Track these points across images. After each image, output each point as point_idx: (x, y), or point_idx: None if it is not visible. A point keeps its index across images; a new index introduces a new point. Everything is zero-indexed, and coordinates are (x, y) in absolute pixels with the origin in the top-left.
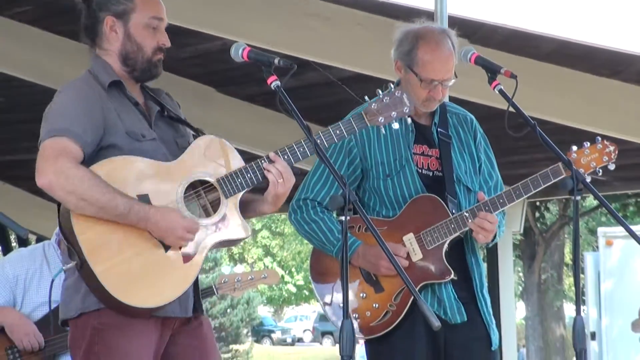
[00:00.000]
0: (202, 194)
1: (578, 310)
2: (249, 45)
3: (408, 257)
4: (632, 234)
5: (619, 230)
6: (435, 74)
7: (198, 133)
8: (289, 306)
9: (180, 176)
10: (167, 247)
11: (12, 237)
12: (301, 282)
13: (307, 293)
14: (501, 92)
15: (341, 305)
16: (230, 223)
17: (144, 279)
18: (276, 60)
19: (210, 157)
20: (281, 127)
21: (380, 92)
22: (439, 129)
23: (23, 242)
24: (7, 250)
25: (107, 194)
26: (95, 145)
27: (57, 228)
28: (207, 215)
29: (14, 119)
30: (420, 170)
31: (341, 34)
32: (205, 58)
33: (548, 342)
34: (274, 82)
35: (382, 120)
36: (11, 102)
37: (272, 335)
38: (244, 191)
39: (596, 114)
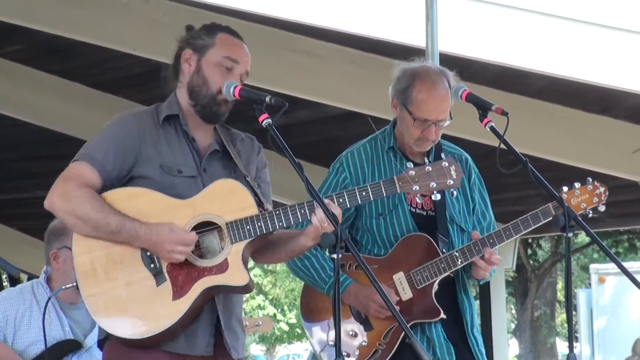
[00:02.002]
0: (224, 236)
1: (571, 348)
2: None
3: (398, 296)
4: (624, 271)
5: (611, 267)
6: (429, 113)
7: (249, 182)
8: (281, 344)
9: (189, 215)
10: (159, 281)
11: (4, 277)
12: (293, 321)
13: (299, 331)
14: (492, 129)
15: (331, 343)
16: (229, 269)
17: (129, 310)
18: (267, 99)
19: (225, 201)
20: (273, 165)
21: (427, 160)
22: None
23: (14, 281)
24: None
25: (101, 212)
26: (121, 173)
27: (45, 266)
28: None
29: (4, 158)
30: (413, 210)
31: (334, 71)
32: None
33: None
34: (265, 120)
35: (417, 189)
36: (2, 141)
37: None
38: (250, 239)
39: (587, 150)
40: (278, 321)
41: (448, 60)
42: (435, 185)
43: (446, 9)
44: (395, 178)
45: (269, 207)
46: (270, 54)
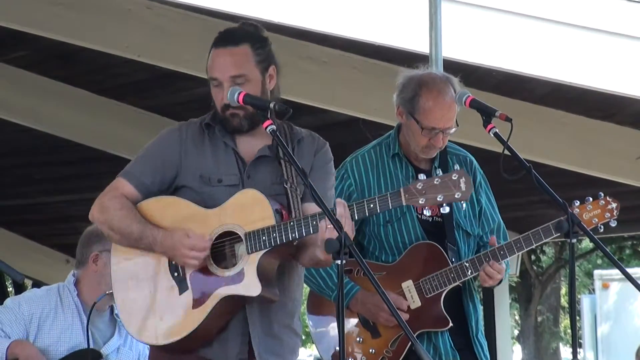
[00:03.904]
0: (235, 245)
1: (575, 353)
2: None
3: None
4: (628, 277)
5: (615, 272)
6: (437, 122)
7: (291, 188)
8: None
9: (215, 224)
10: (182, 290)
11: (8, 283)
12: None
13: (303, 337)
14: (496, 135)
15: (337, 347)
16: (244, 279)
17: (153, 317)
18: (272, 105)
19: (247, 211)
20: None
21: (433, 165)
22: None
23: (19, 287)
24: (3, 295)
25: (126, 221)
26: (162, 185)
27: (74, 270)
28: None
29: (8, 164)
30: (420, 216)
31: (338, 77)
32: (202, 102)
33: None
34: (269, 126)
35: (423, 202)
36: (6, 147)
37: None
38: (265, 250)
39: (591, 156)
40: None
41: (452, 67)
42: (442, 198)
43: (450, 15)
44: (402, 190)
45: (302, 213)
46: None
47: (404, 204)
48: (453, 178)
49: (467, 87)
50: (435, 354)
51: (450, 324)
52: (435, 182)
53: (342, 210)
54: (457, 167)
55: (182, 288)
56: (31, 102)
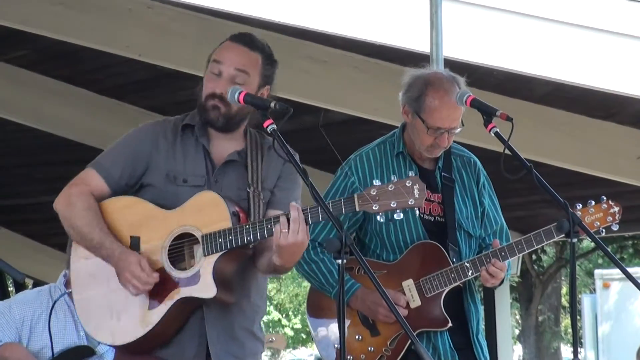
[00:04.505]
0: (194, 246)
1: (575, 353)
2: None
3: (406, 304)
4: (629, 276)
5: (616, 272)
6: (443, 122)
7: (254, 194)
8: (286, 349)
9: (174, 225)
10: None
11: (9, 282)
12: (298, 326)
13: (304, 336)
14: (497, 134)
15: (336, 345)
16: (200, 281)
17: (109, 317)
18: (272, 104)
19: (205, 213)
20: None
21: (394, 178)
22: (442, 173)
23: (20, 286)
24: (4, 294)
25: (89, 225)
26: (130, 180)
27: (65, 270)
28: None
29: (9, 163)
30: (422, 216)
31: (337, 77)
32: None
33: None
34: (270, 125)
35: (377, 208)
36: (7, 147)
37: None
38: (221, 252)
39: (592, 156)
40: (283, 326)
41: (453, 66)
42: (395, 204)
43: (451, 14)
44: (355, 196)
45: (255, 218)
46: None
47: (357, 209)
48: (407, 185)
49: (467, 87)
50: (435, 354)
51: (450, 324)
52: (389, 188)
53: (295, 214)
54: (411, 173)
55: None
56: (32, 102)
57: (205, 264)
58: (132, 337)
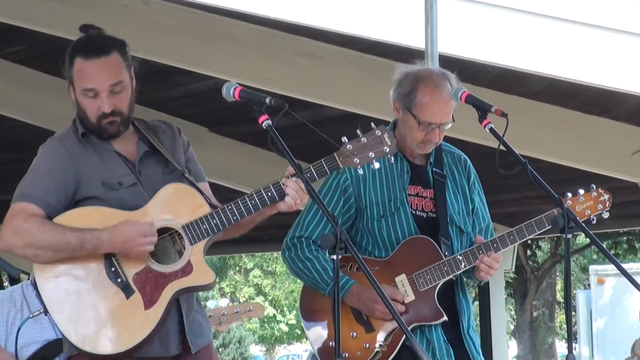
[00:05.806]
0: (177, 240)
1: (570, 348)
2: (240, 84)
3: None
4: (623, 272)
5: (611, 268)
6: (434, 117)
7: (184, 174)
8: (280, 345)
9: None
10: (128, 294)
11: (4, 277)
12: (293, 321)
13: (299, 332)
14: (492, 130)
15: (331, 344)
16: (194, 270)
17: (105, 327)
18: (267, 100)
19: (176, 205)
20: (273, 166)
21: (359, 132)
22: (434, 169)
23: (15, 282)
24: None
25: (57, 234)
26: (67, 201)
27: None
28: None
29: (5, 159)
30: (414, 212)
31: (333, 73)
32: (197, 97)
33: None
34: (265, 121)
35: (358, 162)
36: (3, 142)
37: None
38: (209, 237)
39: (587, 152)
40: (278, 322)
41: (448, 62)
42: (373, 155)
43: (446, 10)
44: (335, 154)
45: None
46: (270, 55)
47: (341, 167)
48: (377, 134)
49: (462, 83)
50: (429, 348)
51: (445, 317)
52: (362, 141)
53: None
54: (373, 125)
55: (128, 292)
56: (28, 97)
57: (194, 253)
58: (135, 340)
